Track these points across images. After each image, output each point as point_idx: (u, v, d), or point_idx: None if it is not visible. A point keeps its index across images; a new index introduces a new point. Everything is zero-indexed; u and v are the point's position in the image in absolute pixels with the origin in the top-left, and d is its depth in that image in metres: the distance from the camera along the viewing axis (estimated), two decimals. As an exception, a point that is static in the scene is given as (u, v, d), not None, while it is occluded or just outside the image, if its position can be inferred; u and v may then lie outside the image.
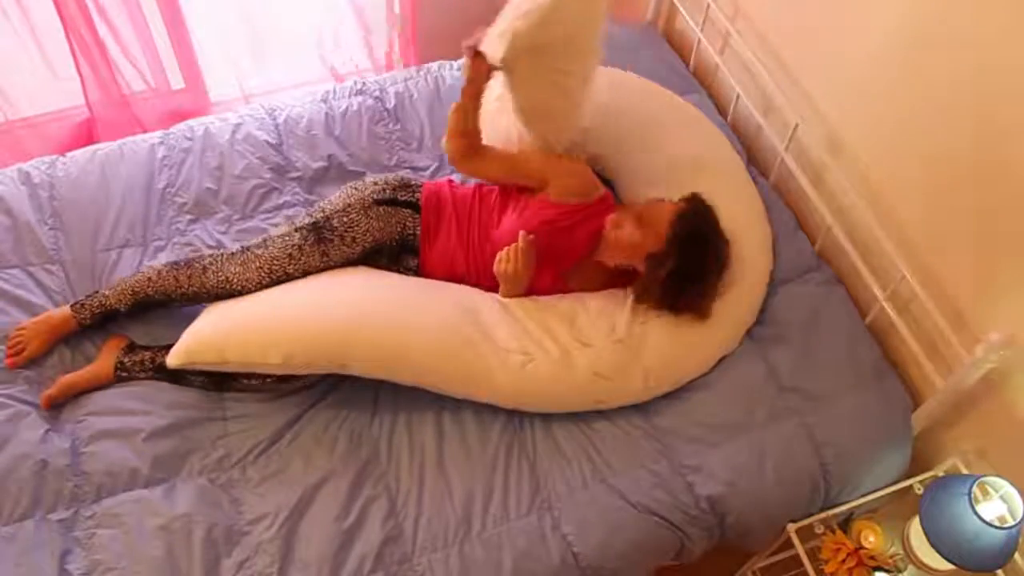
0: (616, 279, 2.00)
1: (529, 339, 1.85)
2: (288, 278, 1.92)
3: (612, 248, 1.95)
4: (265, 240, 1.97)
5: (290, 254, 1.92)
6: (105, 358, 1.90)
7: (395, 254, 2.00)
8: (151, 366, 1.87)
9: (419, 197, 2.03)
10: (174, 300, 1.93)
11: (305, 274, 1.93)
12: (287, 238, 1.95)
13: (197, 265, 1.93)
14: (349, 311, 1.82)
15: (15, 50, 2.52)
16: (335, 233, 1.94)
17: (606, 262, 1.98)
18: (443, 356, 1.81)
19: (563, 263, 2.00)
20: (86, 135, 2.69)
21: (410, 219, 2.00)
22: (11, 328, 1.92)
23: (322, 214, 1.99)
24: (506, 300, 1.93)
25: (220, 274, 1.91)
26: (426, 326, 1.82)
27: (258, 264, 1.92)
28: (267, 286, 1.91)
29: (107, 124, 2.65)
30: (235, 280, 1.91)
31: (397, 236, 1.99)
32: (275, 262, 1.92)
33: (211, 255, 1.96)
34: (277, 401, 1.88)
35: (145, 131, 2.44)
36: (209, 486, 1.77)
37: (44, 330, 1.91)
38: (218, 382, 1.87)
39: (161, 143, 2.27)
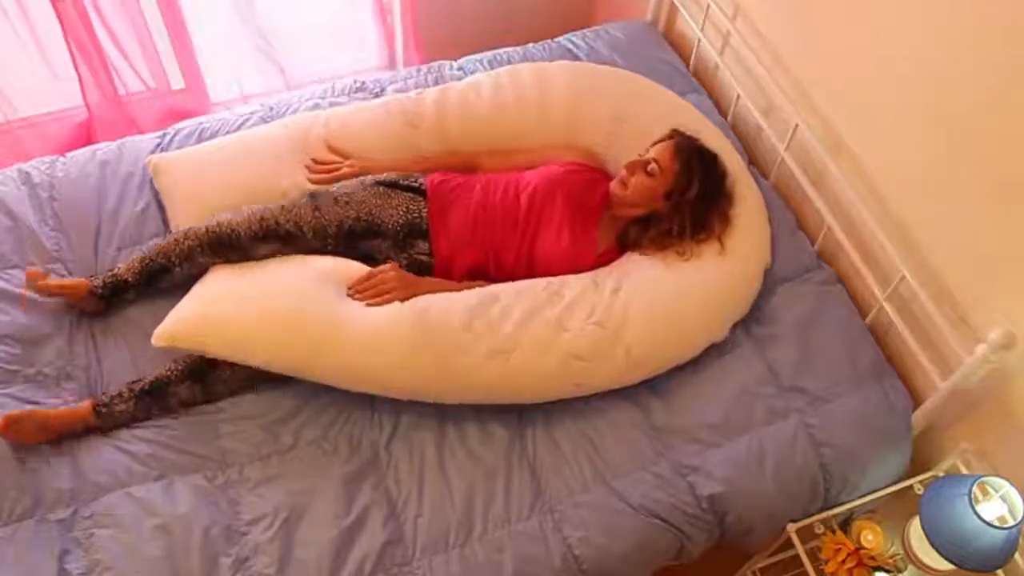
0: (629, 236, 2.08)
1: (507, 334, 1.84)
2: (278, 228, 1.96)
3: (627, 203, 2.03)
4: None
5: (283, 206, 1.99)
6: (79, 407, 1.82)
7: (401, 239, 2.01)
8: (129, 395, 1.82)
9: (422, 183, 2.06)
10: (174, 263, 1.95)
11: (297, 227, 1.97)
12: (287, 201, 2.02)
13: (194, 225, 1.99)
14: (326, 320, 1.82)
15: (15, 50, 2.52)
16: (331, 196, 2.01)
17: (626, 215, 2.05)
18: (418, 370, 1.81)
19: (594, 211, 2.06)
20: (86, 135, 2.69)
21: (412, 202, 2.02)
22: (10, 327, 1.92)
23: (323, 189, 2.07)
24: (483, 294, 1.91)
25: (212, 220, 1.97)
26: (399, 336, 1.82)
27: (251, 211, 1.97)
28: (257, 232, 1.95)
29: (106, 124, 2.65)
30: (226, 223, 1.95)
31: (401, 220, 2.01)
32: (267, 211, 1.97)
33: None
34: (276, 400, 1.88)
35: (145, 131, 2.44)
36: (207, 486, 1.77)
37: (61, 285, 1.95)
38: (204, 392, 1.86)
39: (160, 143, 2.27)
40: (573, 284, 1.95)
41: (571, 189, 2.06)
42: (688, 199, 1.99)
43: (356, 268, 1.98)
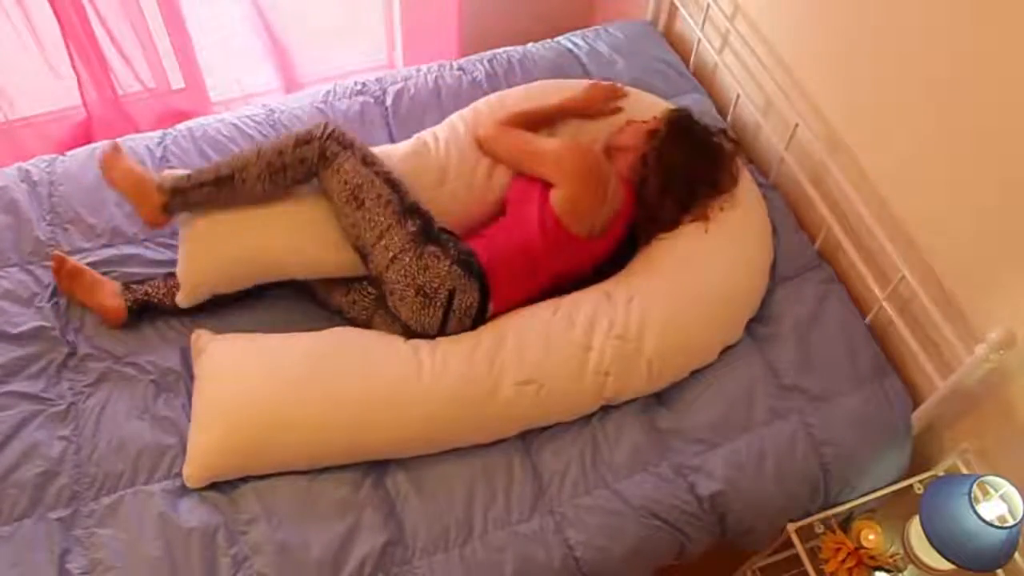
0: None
1: (534, 363, 1.84)
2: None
3: (624, 150, 2.05)
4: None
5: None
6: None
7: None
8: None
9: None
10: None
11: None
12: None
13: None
14: (356, 411, 1.78)
15: (15, 49, 2.52)
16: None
17: (619, 151, 2.06)
18: (455, 422, 1.81)
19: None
20: (85, 135, 2.69)
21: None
22: (8, 326, 1.92)
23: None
24: (491, 336, 1.88)
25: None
26: (429, 398, 1.79)
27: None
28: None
29: (106, 124, 2.65)
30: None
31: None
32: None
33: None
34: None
35: (144, 131, 2.44)
36: (208, 485, 1.77)
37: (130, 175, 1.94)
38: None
39: (160, 143, 2.27)
40: (584, 304, 1.92)
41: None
42: (662, 139, 1.99)
43: (349, 337, 1.90)
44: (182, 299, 1.93)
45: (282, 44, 2.76)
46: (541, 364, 1.83)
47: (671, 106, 2.17)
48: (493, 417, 1.82)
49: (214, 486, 1.76)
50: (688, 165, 2.01)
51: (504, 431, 1.84)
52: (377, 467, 1.81)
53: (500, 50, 2.54)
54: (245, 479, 1.77)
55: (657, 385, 1.90)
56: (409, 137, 2.21)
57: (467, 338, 1.89)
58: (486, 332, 1.90)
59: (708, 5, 2.39)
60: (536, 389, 1.82)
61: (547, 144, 2.00)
